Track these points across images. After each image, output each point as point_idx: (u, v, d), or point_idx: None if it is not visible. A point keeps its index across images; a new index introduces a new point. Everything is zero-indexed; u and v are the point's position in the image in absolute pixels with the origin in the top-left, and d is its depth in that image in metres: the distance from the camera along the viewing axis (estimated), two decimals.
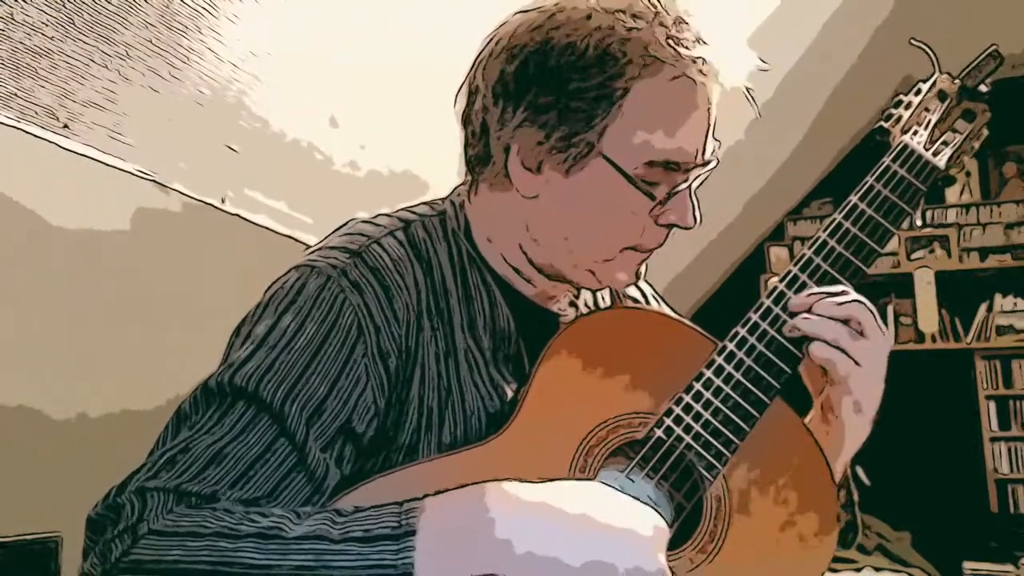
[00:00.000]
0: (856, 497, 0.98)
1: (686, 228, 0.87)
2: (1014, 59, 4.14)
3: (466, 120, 0.89)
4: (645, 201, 0.84)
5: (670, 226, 0.87)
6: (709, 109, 0.85)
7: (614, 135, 0.82)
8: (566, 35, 0.82)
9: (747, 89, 0.86)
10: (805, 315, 0.87)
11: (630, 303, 1.04)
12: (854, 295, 0.88)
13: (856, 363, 0.86)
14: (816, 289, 0.89)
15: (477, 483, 0.68)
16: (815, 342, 0.86)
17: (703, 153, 0.86)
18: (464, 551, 0.64)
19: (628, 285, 0.93)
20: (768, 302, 0.90)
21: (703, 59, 0.82)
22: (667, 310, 1.08)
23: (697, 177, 0.87)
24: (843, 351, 0.86)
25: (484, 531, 0.65)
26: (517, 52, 0.84)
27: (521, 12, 0.87)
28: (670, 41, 0.81)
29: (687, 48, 0.81)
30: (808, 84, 3.89)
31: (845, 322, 0.86)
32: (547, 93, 0.82)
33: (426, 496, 0.67)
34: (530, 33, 0.84)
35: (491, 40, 0.88)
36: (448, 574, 0.64)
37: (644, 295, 1.07)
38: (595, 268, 0.89)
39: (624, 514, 0.69)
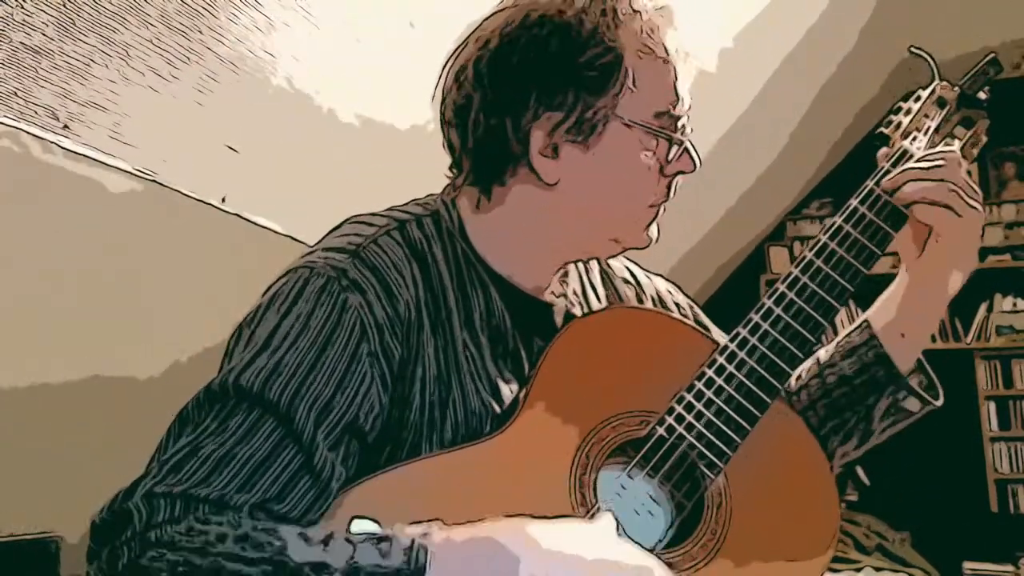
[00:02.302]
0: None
1: (690, 172, 0.91)
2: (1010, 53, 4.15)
3: (464, 133, 0.89)
4: (660, 152, 0.88)
5: (675, 175, 0.91)
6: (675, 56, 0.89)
7: (624, 96, 0.85)
8: (558, 14, 0.84)
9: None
10: (908, 182, 0.91)
11: (620, 283, 1.04)
12: (943, 158, 0.92)
13: (957, 214, 0.90)
14: (911, 165, 0.93)
15: (486, 521, 0.68)
16: (918, 204, 0.90)
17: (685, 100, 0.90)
18: None
19: (649, 244, 0.95)
20: (769, 303, 0.90)
21: (666, 9, 0.88)
22: (661, 284, 1.08)
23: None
24: (947, 207, 0.90)
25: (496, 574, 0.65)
26: (514, 46, 0.85)
27: (495, 12, 0.88)
28: None
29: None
30: (807, 84, 3.90)
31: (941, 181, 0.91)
32: (558, 74, 0.84)
33: (437, 525, 0.67)
34: (519, 25, 0.85)
35: (467, 45, 0.89)
36: None
37: (634, 276, 1.07)
38: (619, 235, 0.91)
39: (636, 566, 0.70)
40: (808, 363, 1.02)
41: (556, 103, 0.85)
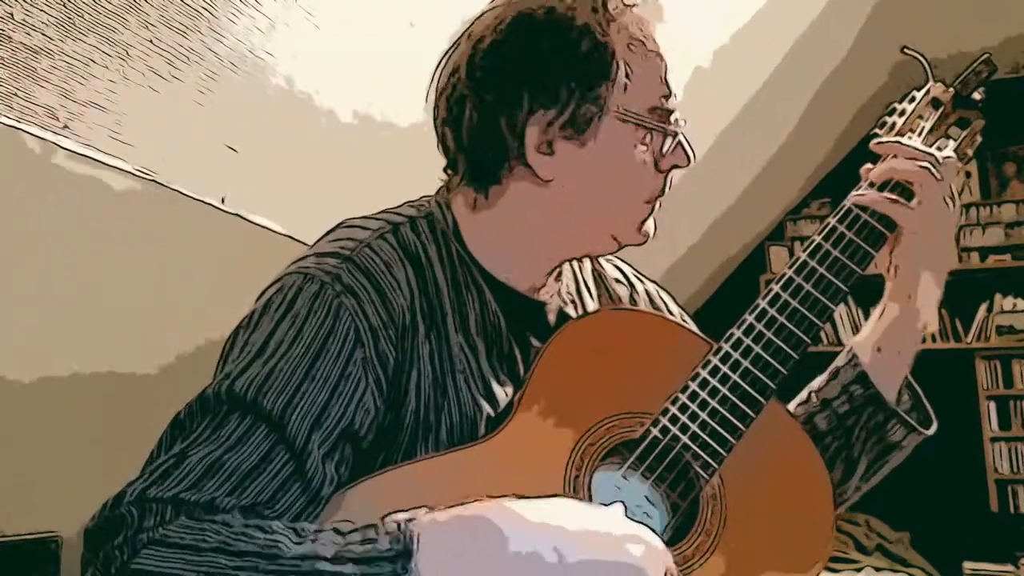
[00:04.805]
0: None
1: (685, 167, 0.91)
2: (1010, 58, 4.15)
3: (459, 134, 0.89)
4: (655, 147, 0.88)
5: (670, 170, 0.91)
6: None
7: (618, 90, 0.86)
8: (547, 11, 0.85)
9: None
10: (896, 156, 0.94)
11: (613, 283, 1.04)
12: (921, 162, 0.93)
13: (936, 177, 0.91)
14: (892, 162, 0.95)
15: (473, 501, 0.69)
16: (901, 165, 0.93)
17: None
18: (463, 571, 0.65)
19: (646, 240, 0.95)
20: (763, 303, 0.90)
21: (656, 4, 0.89)
22: (651, 287, 1.08)
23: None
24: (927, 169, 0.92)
25: (483, 552, 0.65)
26: (506, 44, 0.86)
27: (487, 11, 0.89)
28: None
29: None
30: (806, 82, 3.89)
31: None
32: (551, 71, 0.85)
33: (424, 511, 0.68)
34: (511, 23, 0.86)
35: (459, 45, 0.89)
36: None
37: (626, 276, 1.07)
38: (616, 231, 0.91)
39: (622, 535, 0.69)
40: (802, 395, 1.01)
41: (550, 100, 0.85)
